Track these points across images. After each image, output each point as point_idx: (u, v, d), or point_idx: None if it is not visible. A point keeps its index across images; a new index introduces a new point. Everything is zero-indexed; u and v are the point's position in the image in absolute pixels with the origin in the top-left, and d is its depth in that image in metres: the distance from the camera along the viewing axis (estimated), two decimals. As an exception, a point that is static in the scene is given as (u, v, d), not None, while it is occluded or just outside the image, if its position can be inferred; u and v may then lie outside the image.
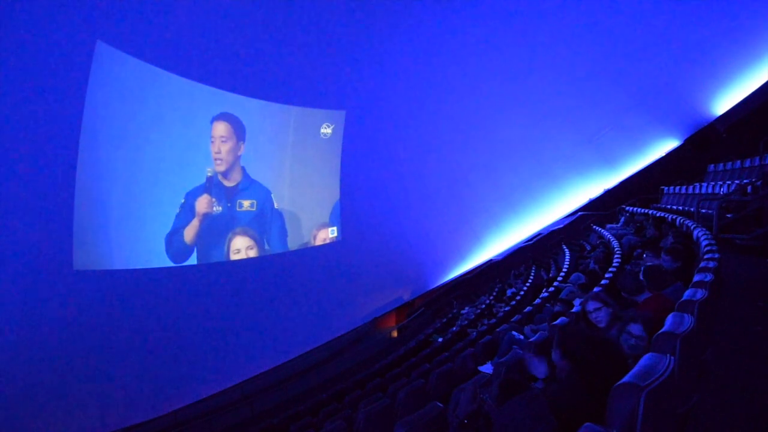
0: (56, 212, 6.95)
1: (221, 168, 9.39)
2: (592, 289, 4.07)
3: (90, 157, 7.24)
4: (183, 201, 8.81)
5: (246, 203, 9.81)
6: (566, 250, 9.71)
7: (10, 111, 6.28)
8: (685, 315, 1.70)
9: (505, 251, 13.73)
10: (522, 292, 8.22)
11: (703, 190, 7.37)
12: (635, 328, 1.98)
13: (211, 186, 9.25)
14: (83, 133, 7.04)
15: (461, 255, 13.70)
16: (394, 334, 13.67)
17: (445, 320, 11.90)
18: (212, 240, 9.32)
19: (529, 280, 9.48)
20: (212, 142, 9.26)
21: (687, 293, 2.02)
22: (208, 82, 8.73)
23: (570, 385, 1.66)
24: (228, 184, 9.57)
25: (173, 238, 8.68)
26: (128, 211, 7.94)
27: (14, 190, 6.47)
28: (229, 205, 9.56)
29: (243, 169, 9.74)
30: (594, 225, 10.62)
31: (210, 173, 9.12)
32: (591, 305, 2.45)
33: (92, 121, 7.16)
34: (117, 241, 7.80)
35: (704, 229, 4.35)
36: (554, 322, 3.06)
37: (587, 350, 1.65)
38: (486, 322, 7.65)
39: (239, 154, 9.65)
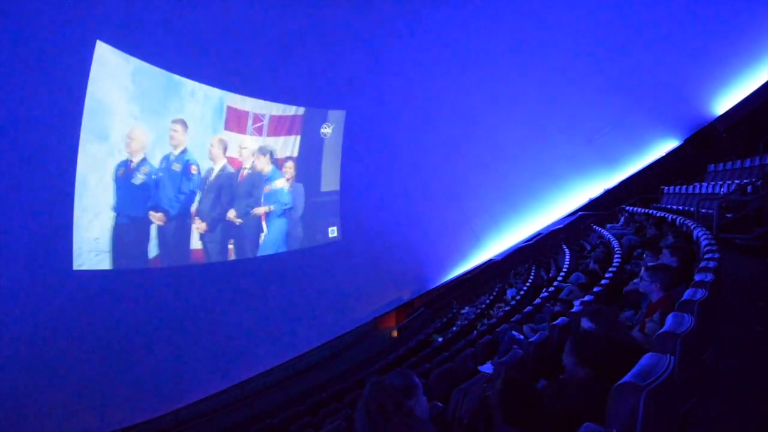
0: (56, 212, 6.95)
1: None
2: (592, 288, 4.07)
3: (90, 157, 7.24)
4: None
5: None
6: (566, 250, 9.71)
7: (10, 111, 6.27)
8: (685, 315, 1.70)
9: (505, 251, 13.73)
10: (522, 292, 8.22)
11: (703, 190, 7.38)
12: (584, 322, 2.16)
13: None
14: (83, 133, 7.03)
15: (461, 255, 13.70)
16: (394, 334, 13.67)
17: (445, 320, 11.90)
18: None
19: (529, 280, 9.48)
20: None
21: (687, 293, 2.02)
22: (208, 82, 8.73)
23: (594, 390, 1.62)
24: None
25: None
26: (128, 210, 7.93)
27: (14, 190, 6.47)
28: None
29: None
30: (594, 225, 10.61)
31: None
32: (585, 323, 2.20)
33: (92, 121, 7.17)
34: (117, 241, 7.79)
35: (704, 229, 4.34)
36: (554, 322, 3.06)
37: (608, 356, 1.63)
38: (486, 322, 7.65)
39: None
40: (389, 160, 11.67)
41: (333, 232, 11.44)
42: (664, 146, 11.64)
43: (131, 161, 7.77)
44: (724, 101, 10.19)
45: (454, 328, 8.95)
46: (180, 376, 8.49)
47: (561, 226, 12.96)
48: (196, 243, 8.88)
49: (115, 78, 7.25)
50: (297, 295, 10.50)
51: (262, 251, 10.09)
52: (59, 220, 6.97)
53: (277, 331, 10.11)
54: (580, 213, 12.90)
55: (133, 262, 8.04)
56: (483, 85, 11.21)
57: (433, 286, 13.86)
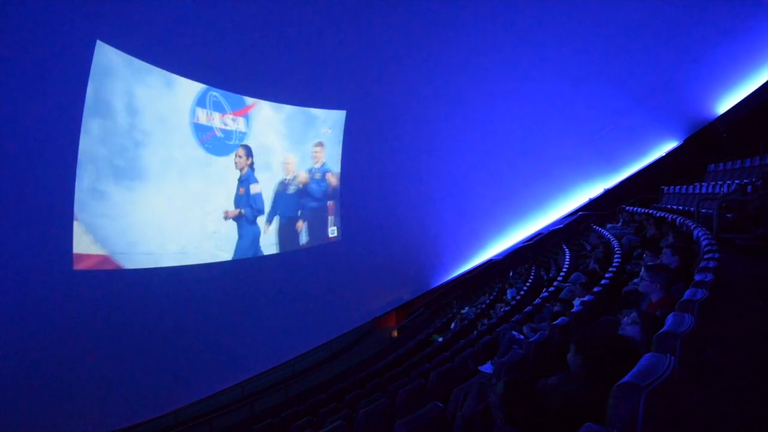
0: (56, 212, 6.95)
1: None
2: (593, 288, 4.07)
3: (90, 157, 7.24)
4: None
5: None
6: (566, 249, 9.72)
7: (10, 111, 6.27)
8: (686, 315, 1.70)
9: (505, 251, 13.74)
10: (522, 292, 8.23)
11: (703, 190, 7.39)
12: (634, 315, 2.17)
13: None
14: (83, 133, 7.04)
15: (461, 255, 13.70)
16: (395, 334, 13.68)
17: (445, 320, 11.92)
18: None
19: (529, 280, 9.49)
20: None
21: (687, 293, 2.03)
22: (208, 82, 8.73)
23: (579, 382, 1.66)
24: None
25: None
26: (128, 211, 7.93)
27: (14, 190, 6.47)
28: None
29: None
30: (594, 225, 10.63)
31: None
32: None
33: (92, 121, 7.17)
34: (117, 240, 7.79)
35: (704, 229, 4.35)
36: (554, 322, 3.06)
37: (599, 346, 1.65)
38: (486, 322, 7.65)
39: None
40: (389, 161, 11.67)
41: (333, 232, 11.44)
42: (664, 146, 11.65)
43: (286, 178, 10.25)
44: (725, 101, 10.21)
45: (454, 328, 8.95)
46: (180, 376, 8.49)
47: (561, 226, 12.98)
48: (331, 231, 11.37)
49: (272, 126, 9.73)
50: (297, 295, 10.50)
51: (262, 251, 10.11)
52: (59, 220, 6.97)
53: (277, 331, 10.11)
54: (580, 213, 12.91)
55: (134, 262, 8.05)
56: (484, 85, 11.20)
57: (433, 286, 13.87)
